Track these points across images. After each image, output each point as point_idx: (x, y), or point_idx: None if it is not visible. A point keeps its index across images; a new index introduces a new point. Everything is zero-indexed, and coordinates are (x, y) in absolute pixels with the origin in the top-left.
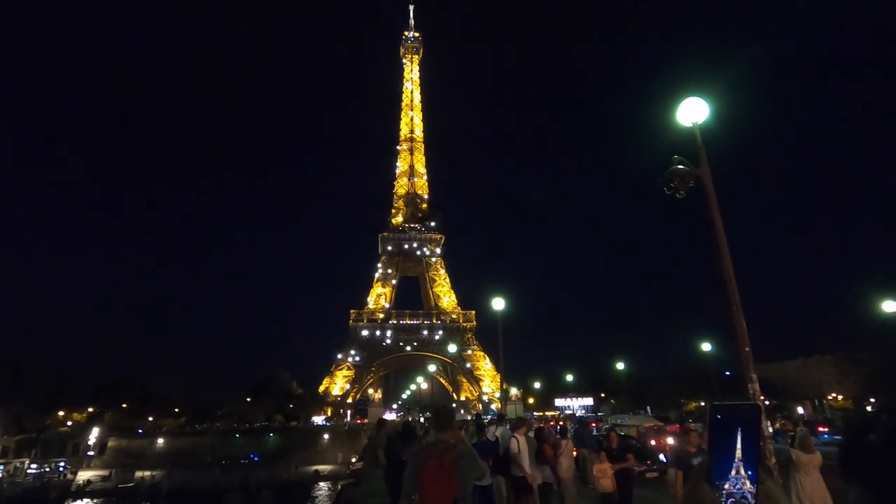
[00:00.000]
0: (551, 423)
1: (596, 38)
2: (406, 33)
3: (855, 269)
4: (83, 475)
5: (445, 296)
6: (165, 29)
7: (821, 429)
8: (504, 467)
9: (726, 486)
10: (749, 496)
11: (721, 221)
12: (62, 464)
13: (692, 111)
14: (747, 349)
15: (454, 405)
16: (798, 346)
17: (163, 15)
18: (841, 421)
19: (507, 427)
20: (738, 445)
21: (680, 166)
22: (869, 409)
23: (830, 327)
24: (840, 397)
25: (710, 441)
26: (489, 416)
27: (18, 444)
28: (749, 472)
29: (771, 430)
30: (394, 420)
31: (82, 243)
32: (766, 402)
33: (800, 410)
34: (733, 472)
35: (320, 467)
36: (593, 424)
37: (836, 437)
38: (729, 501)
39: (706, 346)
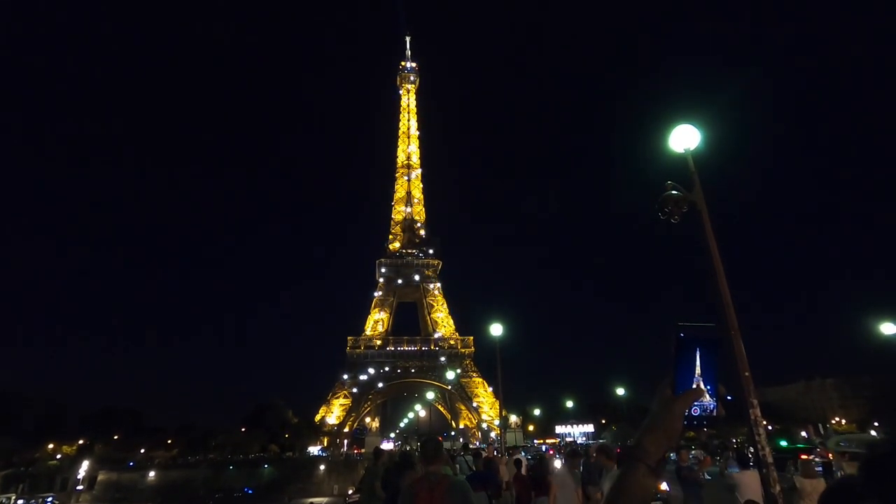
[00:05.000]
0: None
1: (591, 66)
2: (403, 63)
3: (854, 290)
4: None
5: (443, 322)
6: (180, 47)
7: (829, 455)
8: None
9: None
10: (709, 406)
11: (716, 245)
12: (50, 498)
13: (684, 137)
14: (747, 374)
15: (453, 433)
16: (799, 370)
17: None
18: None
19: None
20: (698, 362)
21: (673, 191)
22: (873, 433)
23: (830, 350)
24: (843, 421)
25: (675, 356)
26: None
27: (6, 479)
28: (707, 387)
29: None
30: (391, 450)
31: (71, 272)
32: (769, 427)
33: (803, 435)
34: (693, 385)
35: (316, 499)
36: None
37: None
38: (692, 409)
39: None
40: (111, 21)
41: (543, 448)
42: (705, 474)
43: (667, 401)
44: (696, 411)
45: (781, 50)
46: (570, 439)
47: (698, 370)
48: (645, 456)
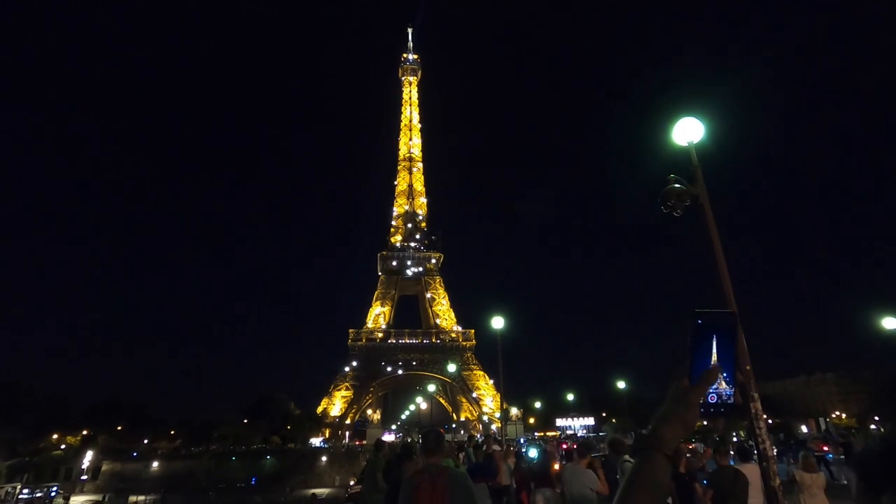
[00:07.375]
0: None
1: (594, 61)
2: (405, 55)
3: (856, 285)
4: (76, 500)
5: (444, 315)
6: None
7: (825, 448)
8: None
9: None
10: (725, 394)
11: (718, 240)
12: (54, 488)
13: (687, 130)
14: (748, 367)
15: (454, 425)
16: (800, 364)
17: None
18: (864, 439)
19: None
20: (714, 349)
21: (676, 185)
22: (873, 427)
23: (831, 344)
24: (843, 416)
25: (691, 343)
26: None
27: (10, 469)
28: (724, 374)
29: (775, 450)
30: (393, 441)
31: (74, 265)
32: (770, 421)
33: (803, 429)
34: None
35: (318, 491)
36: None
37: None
38: (708, 397)
39: None
40: (108, 21)
41: (522, 440)
42: (707, 467)
43: (683, 389)
44: (713, 398)
45: (786, 45)
46: (571, 432)
47: (715, 357)
48: (662, 445)
